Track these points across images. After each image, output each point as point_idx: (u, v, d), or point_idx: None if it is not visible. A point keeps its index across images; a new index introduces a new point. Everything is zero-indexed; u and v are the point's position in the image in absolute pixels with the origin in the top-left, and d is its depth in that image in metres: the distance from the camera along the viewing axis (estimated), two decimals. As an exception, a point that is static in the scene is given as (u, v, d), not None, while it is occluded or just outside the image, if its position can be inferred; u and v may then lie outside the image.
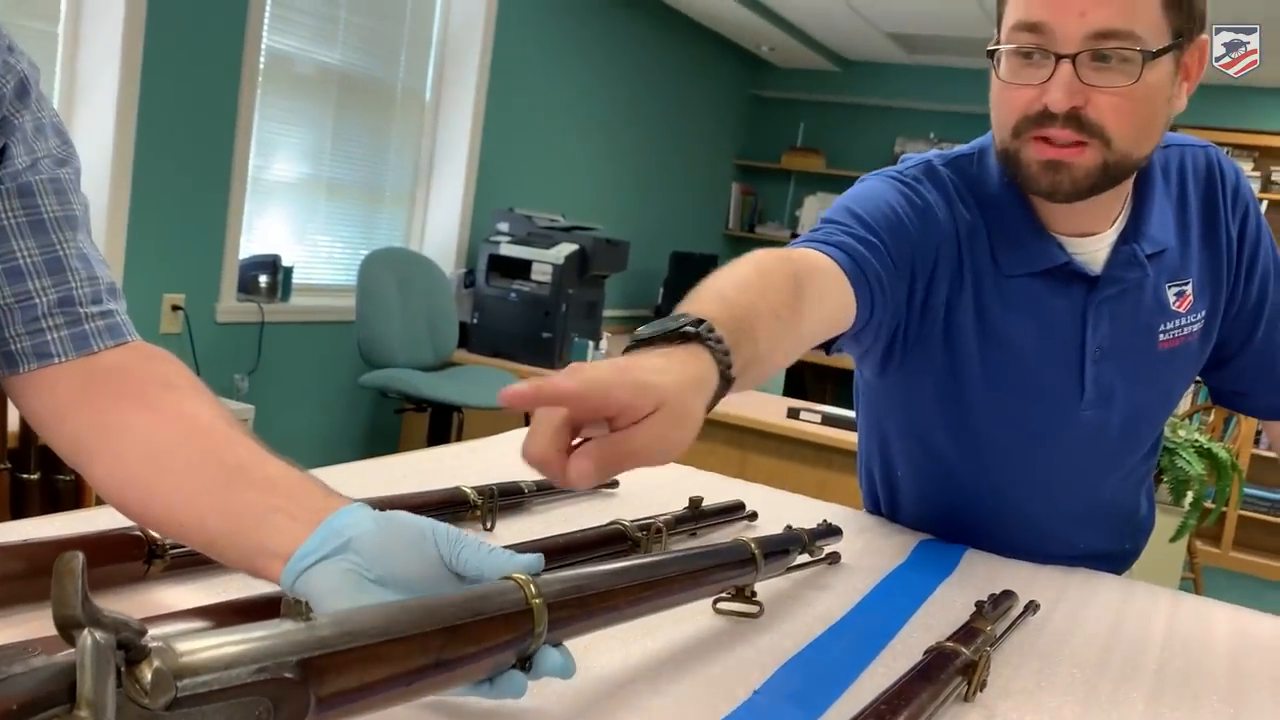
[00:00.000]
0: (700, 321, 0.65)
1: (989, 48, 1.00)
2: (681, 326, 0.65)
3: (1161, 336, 1.09)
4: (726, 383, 0.66)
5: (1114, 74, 0.92)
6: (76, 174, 0.77)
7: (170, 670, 0.35)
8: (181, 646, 0.36)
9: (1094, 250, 1.06)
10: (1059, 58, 0.92)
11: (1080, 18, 0.90)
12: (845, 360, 4.67)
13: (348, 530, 0.60)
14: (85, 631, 0.32)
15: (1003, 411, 1.09)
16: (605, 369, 0.57)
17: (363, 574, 0.58)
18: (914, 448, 1.20)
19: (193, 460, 0.68)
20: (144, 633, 0.34)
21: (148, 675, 0.34)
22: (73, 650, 0.34)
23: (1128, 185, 1.05)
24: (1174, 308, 1.09)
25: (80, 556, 0.32)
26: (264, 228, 3.54)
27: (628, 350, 0.65)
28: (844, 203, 1.03)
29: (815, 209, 6.17)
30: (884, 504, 1.28)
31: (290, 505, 0.63)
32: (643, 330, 0.66)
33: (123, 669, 0.34)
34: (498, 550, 0.59)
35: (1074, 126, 0.93)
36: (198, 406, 0.72)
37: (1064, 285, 1.06)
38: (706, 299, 0.72)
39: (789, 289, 0.81)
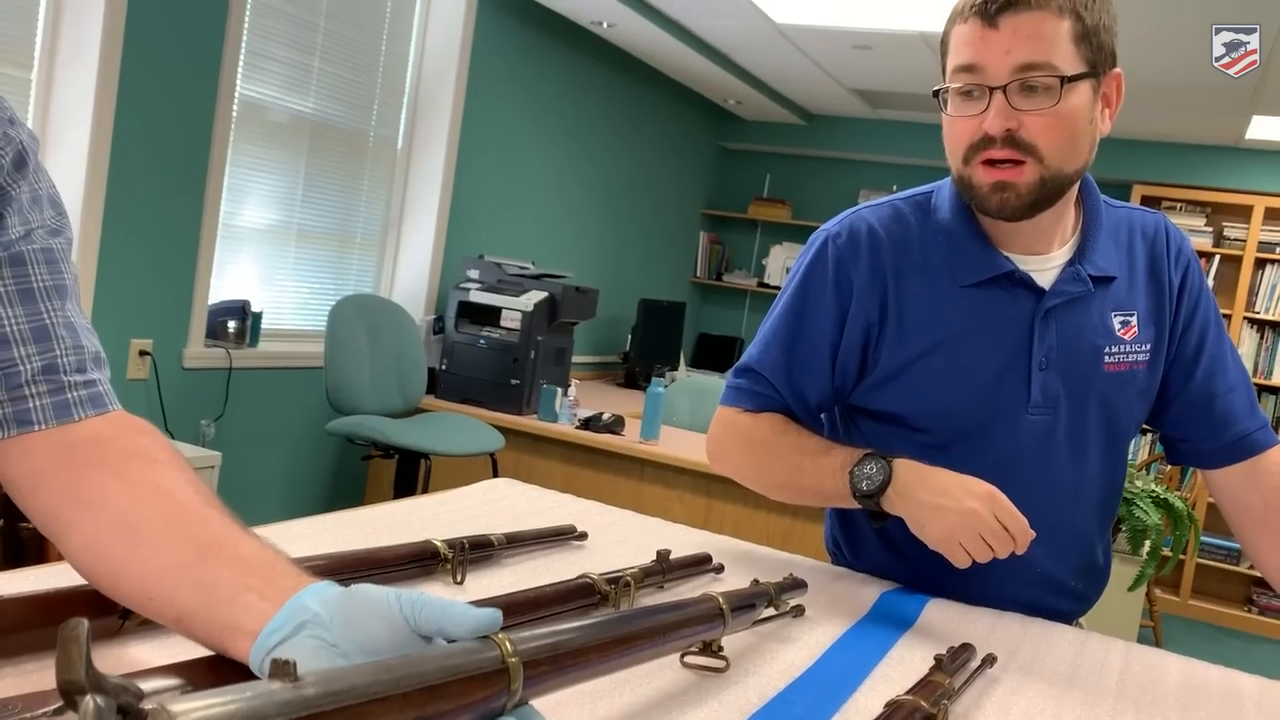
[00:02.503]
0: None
1: (934, 89, 1.15)
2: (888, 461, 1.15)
3: (1107, 358, 1.19)
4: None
5: (1039, 99, 1.08)
6: (68, 244, 0.78)
7: (166, 732, 0.36)
8: (175, 708, 0.38)
9: (1042, 269, 1.19)
10: (991, 90, 1.09)
11: (1005, 55, 1.08)
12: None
13: (313, 605, 0.60)
14: (88, 697, 0.34)
15: (954, 411, 1.19)
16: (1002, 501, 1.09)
17: (329, 647, 0.59)
18: None
19: (167, 535, 0.68)
20: (142, 696, 0.36)
21: (144, 738, 0.36)
22: (70, 715, 0.36)
23: (1070, 212, 1.19)
24: (1119, 334, 1.19)
25: (85, 624, 0.34)
26: (234, 273, 3.54)
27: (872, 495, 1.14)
28: (776, 333, 1.27)
29: (781, 258, 6.26)
30: (847, 538, 1.33)
31: (261, 584, 0.63)
32: (866, 487, 1.15)
33: (121, 732, 0.35)
34: (455, 605, 0.60)
35: (1011, 146, 1.10)
36: (175, 481, 0.72)
37: (1014, 296, 1.18)
38: (838, 454, 1.20)
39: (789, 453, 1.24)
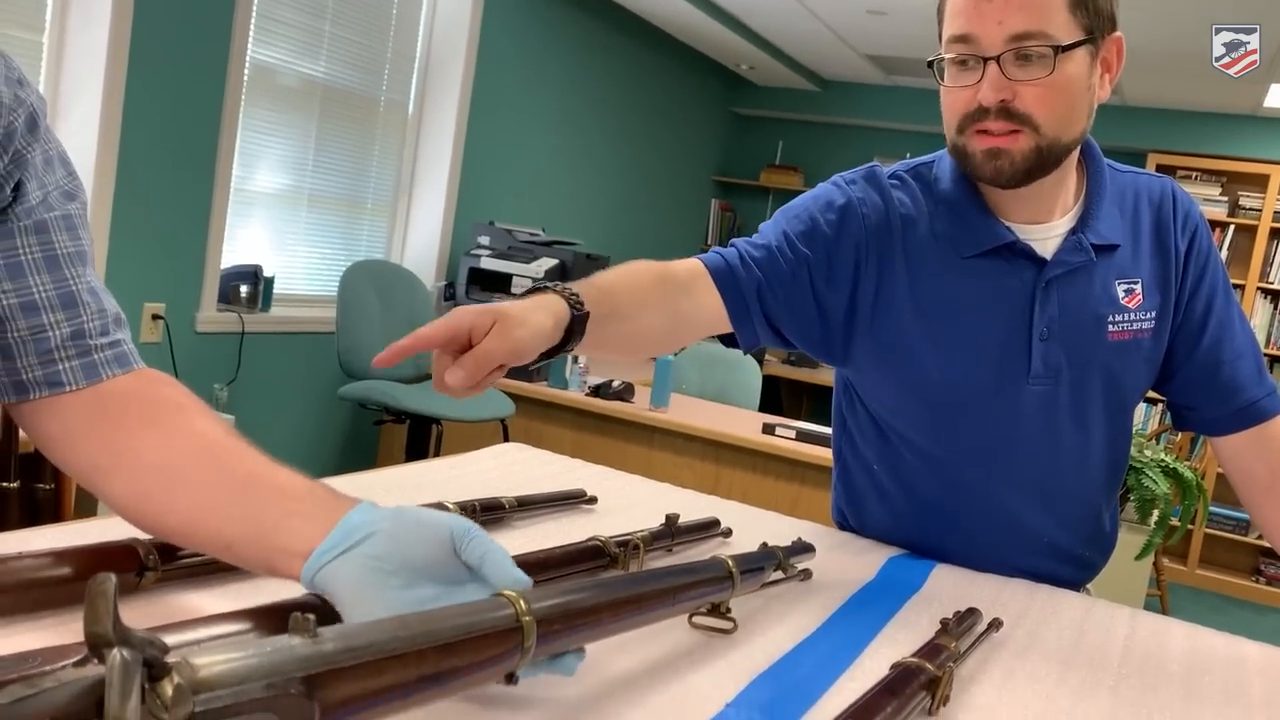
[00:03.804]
0: (549, 284, 0.94)
1: (929, 59, 1.14)
2: (538, 285, 0.94)
3: (1111, 327, 1.18)
4: (581, 313, 0.92)
5: (1034, 68, 1.06)
6: (84, 208, 0.80)
7: (189, 685, 0.37)
8: (198, 661, 0.39)
9: (1044, 238, 1.18)
10: (985, 60, 1.07)
11: (999, 25, 1.06)
12: (820, 377, 4.75)
13: (364, 527, 0.65)
14: (115, 650, 0.35)
15: (955, 382, 1.19)
16: (457, 313, 0.81)
17: (380, 565, 0.63)
18: (883, 436, 1.27)
19: (206, 474, 0.72)
20: (167, 650, 0.37)
21: (168, 691, 0.37)
22: (93, 666, 0.37)
23: (1072, 179, 1.18)
24: (1123, 302, 1.18)
25: (113, 578, 0.35)
26: (245, 238, 3.55)
27: None
28: (776, 213, 1.22)
29: (793, 225, 6.23)
30: (853, 507, 1.34)
31: (305, 509, 0.68)
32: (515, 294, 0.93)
33: (146, 686, 0.36)
34: (499, 550, 0.65)
35: (1005, 117, 1.08)
36: (206, 425, 0.76)
37: (1015, 267, 1.17)
38: (583, 279, 0.99)
39: (656, 281, 1.08)
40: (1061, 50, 1.06)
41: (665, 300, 1.09)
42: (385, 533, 0.64)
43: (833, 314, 1.18)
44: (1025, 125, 1.08)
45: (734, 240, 1.18)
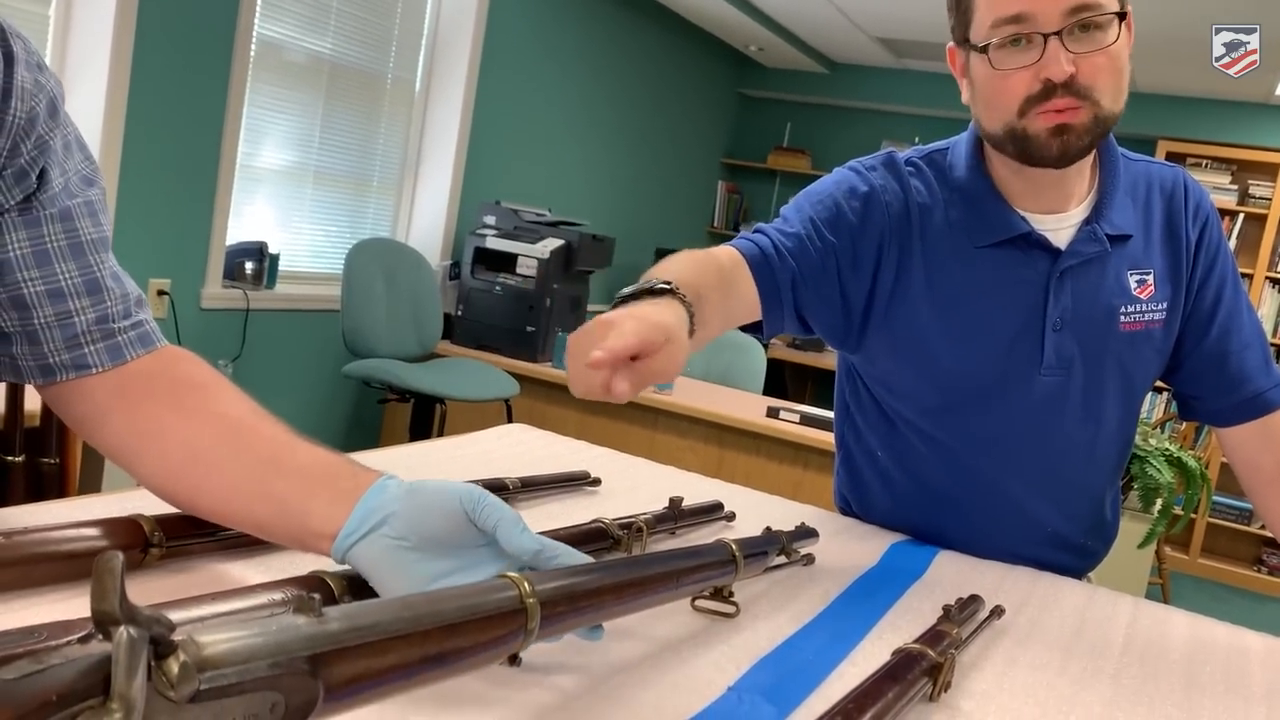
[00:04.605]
0: (668, 282, 0.89)
1: (979, 43, 1.08)
2: (655, 285, 0.89)
3: (1123, 318, 1.17)
4: (690, 334, 0.87)
5: (1091, 39, 1.05)
6: (103, 193, 0.81)
7: (194, 663, 0.38)
8: (203, 639, 0.39)
9: (1058, 229, 1.17)
10: (1046, 37, 1.04)
11: (1054, 1, 1.03)
12: (824, 360, 4.75)
13: (383, 509, 0.69)
14: (122, 628, 0.35)
15: (968, 372, 1.18)
16: (632, 322, 0.77)
17: (400, 543, 0.68)
18: (888, 422, 1.26)
19: (230, 458, 0.76)
20: (173, 628, 0.37)
21: (174, 669, 0.37)
22: (98, 642, 0.37)
23: (1087, 167, 1.17)
24: (1135, 293, 1.18)
25: (120, 556, 0.35)
26: (251, 215, 3.54)
27: (616, 305, 0.86)
28: (797, 197, 1.20)
29: (800, 209, 6.21)
30: (857, 493, 1.34)
31: (327, 490, 0.72)
32: (625, 290, 0.89)
33: (152, 663, 0.36)
34: (512, 517, 0.69)
35: (1071, 93, 1.05)
36: (226, 404, 0.79)
37: (1030, 257, 1.16)
38: (665, 273, 0.93)
39: (718, 275, 1.04)
40: (1120, 18, 1.05)
41: (725, 294, 1.05)
42: (400, 514, 0.69)
43: (854, 302, 1.17)
44: (1087, 99, 1.05)
45: (761, 226, 1.16)
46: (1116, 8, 1.05)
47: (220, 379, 0.82)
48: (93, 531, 0.78)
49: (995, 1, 1.06)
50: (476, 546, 0.70)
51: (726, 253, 1.10)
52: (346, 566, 0.72)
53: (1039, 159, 1.10)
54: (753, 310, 1.11)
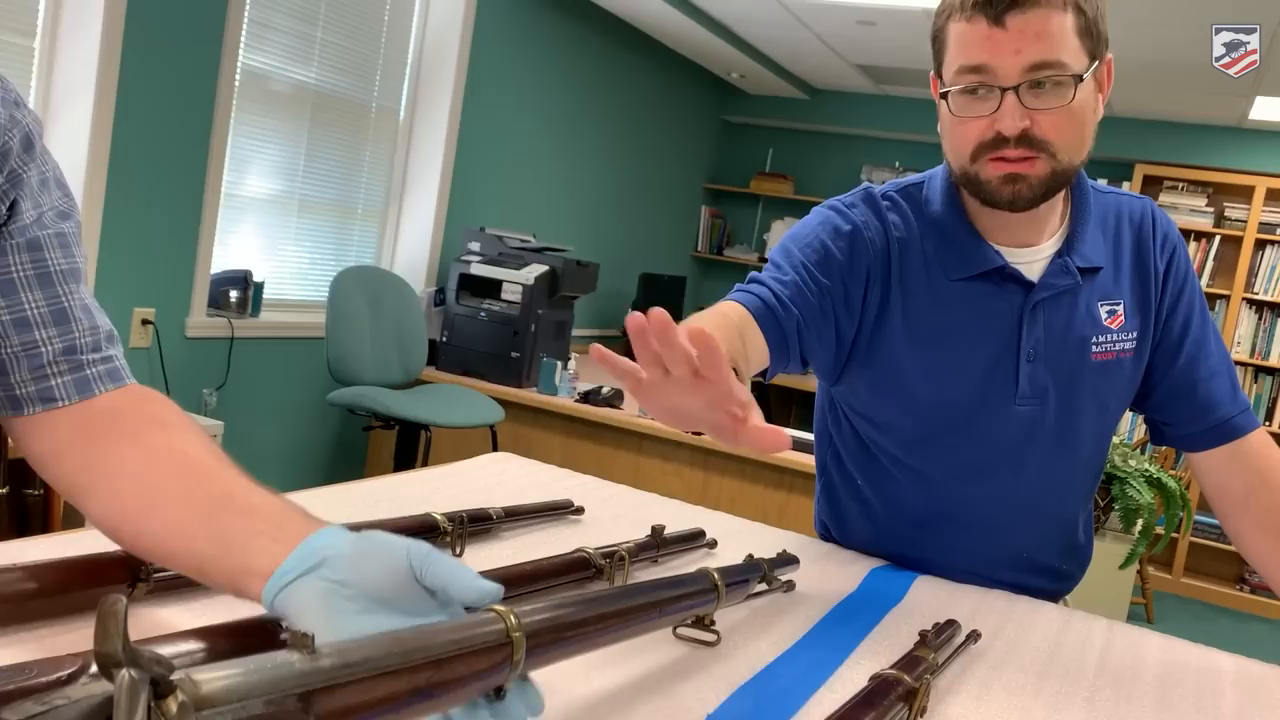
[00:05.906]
0: None
1: (943, 88, 1.12)
2: None
3: (1094, 348, 1.20)
4: None
5: (1050, 96, 1.07)
6: (78, 226, 0.81)
7: (192, 702, 0.39)
8: (200, 678, 0.40)
9: (1031, 261, 1.20)
10: (1003, 90, 1.06)
11: (1015, 55, 1.05)
12: (808, 384, 4.78)
13: (324, 550, 0.63)
14: (124, 670, 0.36)
15: (945, 402, 1.20)
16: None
17: (338, 589, 0.61)
18: (868, 451, 1.29)
19: (182, 492, 0.72)
20: (173, 669, 0.38)
21: (173, 708, 0.38)
22: (100, 683, 0.38)
23: (1059, 202, 1.19)
24: (1106, 324, 1.21)
25: (123, 600, 0.37)
26: (236, 243, 3.55)
27: None
28: (784, 241, 1.22)
29: (782, 233, 6.25)
30: (836, 520, 1.36)
31: (272, 529, 0.66)
32: None
33: (152, 703, 0.38)
34: (464, 569, 0.63)
35: (1025, 145, 1.08)
36: (187, 443, 0.76)
37: (1004, 290, 1.19)
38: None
39: (738, 335, 1.05)
40: (1079, 79, 1.06)
41: (745, 354, 1.06)
42: (345, 556, 0.63)
43: (846, 338, 1.20)
44: (1043, 151, 1.08)
45: (755, 275, 1.17)
46: (1078, 66, 1.06)
47: (186, 420, 0.79)
48: (82, 568, 0.78)
49: (961, 49, 1.08)
50: (423, 609, 0.63)
51: (733, 309, 1.10)
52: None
53: (992, 203, 1.13)
54: (763, 361, 1.12)
